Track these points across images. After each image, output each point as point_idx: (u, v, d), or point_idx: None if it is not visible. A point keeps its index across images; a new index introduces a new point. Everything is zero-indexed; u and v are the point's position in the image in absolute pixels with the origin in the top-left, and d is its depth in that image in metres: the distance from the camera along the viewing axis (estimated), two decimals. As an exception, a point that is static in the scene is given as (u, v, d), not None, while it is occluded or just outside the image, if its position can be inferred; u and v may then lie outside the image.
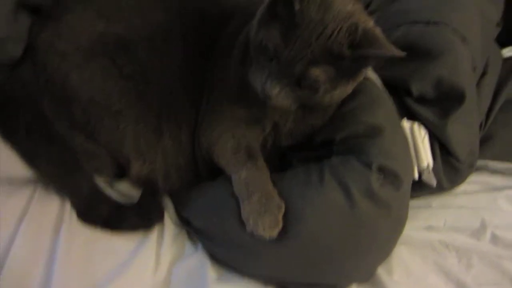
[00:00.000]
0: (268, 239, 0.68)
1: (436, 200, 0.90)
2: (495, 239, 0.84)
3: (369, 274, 0.77)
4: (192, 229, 0.80)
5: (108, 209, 0.79)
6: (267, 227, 0.68)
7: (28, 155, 0.76)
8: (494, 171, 0.94)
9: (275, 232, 0.68)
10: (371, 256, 0.74)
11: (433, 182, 0.77)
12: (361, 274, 0.76)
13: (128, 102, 0.77)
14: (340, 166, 0.72)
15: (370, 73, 0.79)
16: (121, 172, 0.86)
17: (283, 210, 0.70)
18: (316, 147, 0.80)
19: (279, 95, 0.67)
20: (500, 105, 0.93)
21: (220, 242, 0.75)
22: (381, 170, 0.70)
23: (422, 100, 0.82)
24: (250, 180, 0.72)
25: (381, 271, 0.78)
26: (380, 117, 0.76)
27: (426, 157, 0.77)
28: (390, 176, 0.71)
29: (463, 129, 0.83)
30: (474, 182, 0.93)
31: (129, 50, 0.76)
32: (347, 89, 0.71)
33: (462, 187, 0.91)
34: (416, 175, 0.78)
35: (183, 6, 0.81)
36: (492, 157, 0.91)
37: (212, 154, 0.79)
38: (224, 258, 0.76)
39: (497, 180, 0.93)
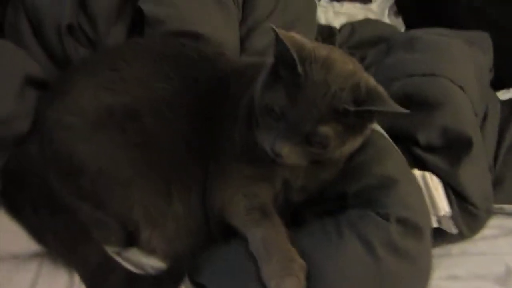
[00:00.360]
0: None
1: (455, 248, 0.87)
2: (521, 284, 0.81)
3: None
4: None
5: (121, 280, 0.75)
6: None
7: (35, 231, 0.75)
8: (511, 214, 0.92)
9: None
10: None
11: (454, 230, 0.75)
12: None
13: (138, 170, 0.76)
14: (357, 220, 0.71)
15: (376, 126, 0.80)
16: (130, 240, 0.83)
17: (305, 270, 0.67)
18: (329, 200, 0.79)
19: (289, 154, 0.67)
20: (507, 147, 0.94)
21: None
22: (400, 221, 0.69)
23: (430, 148, 0.83)
24: (267, 240, 0.70)
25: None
26: (391, 167, 0.76)
27: (443, 205, 0.76)
28: (410, 227, 0.69)
29: (475, 175, 0.82)
30: (491, 226, 0.90)
31: (136, 119, 0.78)
32: (355, 143, 0.72)
33: (480, 232, 0.88)
34: (435, 224, 0.76)
35: (182, 75, 0.83)
36: (506, 201, 0.89)
37: (225, 215, 0.77)
38: None
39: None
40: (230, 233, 0.78)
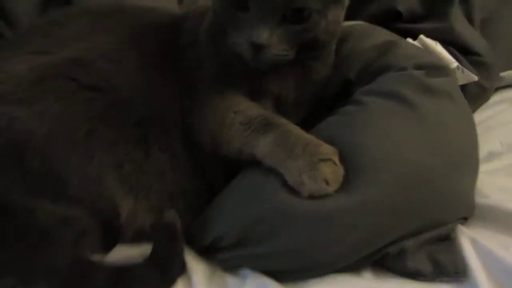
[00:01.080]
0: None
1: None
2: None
3: (470, 198, 0.60)
4: (227, 253, 0.58)
5: (104, 281, 0.56)
6: (330, 177, 0.52)
7: None
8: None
9: (339, 182, 0.52)
10: (458, 160, 0.58)
11: (474, 76, 0.67)
12: (461, 197, 0.58)
13: (99, 117, 0.60)
14: (372, 87, 0.60)
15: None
16: (109, 240, 0.64)
17: (337, 154, 0.54)
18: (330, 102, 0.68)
19: (271, 39, 0.57)
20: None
21: (270, 241, 0.54)
22: (419, 67, 0.60)
23: (415, 19, 0.77)
24: (281, 138, 0.56)
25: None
26: (384, 35, 0.68)
27: (449, 59, 0.68)
28: (431, 67, 0.60)
29: (468, 27, 0.78)
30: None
31: (83, 65, 0.63)
32: (338, 15, 0.63)
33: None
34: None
35: (127, 25, 0.71)
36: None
37: (219, 147, 0.62)
38: (284, 262, 0.55)
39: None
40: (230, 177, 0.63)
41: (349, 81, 0.66)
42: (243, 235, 0.56)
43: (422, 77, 0.59)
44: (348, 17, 0.78)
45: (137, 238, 0.64)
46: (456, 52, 0.73)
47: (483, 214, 0.59)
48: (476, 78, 0.67)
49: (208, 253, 0.61)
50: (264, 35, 0.57)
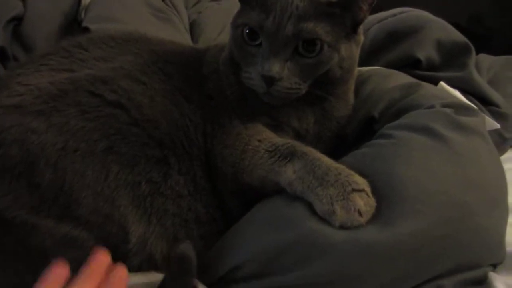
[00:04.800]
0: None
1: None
2: None
3: (503, 242, 0.58)
4: (245, 284, 0.54)
5: None
6: (363, 209, 0.50)
7: None
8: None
9: (371, 213, 0.50)
10: (494, 199, 0.56)
11: (495, 123, 0.67)
12: (497, 238, 0.57)
13: (120, 134, 0.58)
14: (402, 121, 0.60)
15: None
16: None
17: (368, 185, 0.52)
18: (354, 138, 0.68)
19: (282, 72, 0.57)
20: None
21: (299, 271, 0.50)
22: (446, 106, 0.60)
23: (433, 67, 0.79)
24: (310, 165, 0.54)
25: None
26: (406, 78, 0.69)
27: (472, 105, 0.68)
28: (458, 106, 0.61)
29: (484, 81, 0.80)
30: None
31: (107, 83, 0.62)
32: (353, 52, 0.63)
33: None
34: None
35: (149, 50, 0.71)
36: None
37: (242, 174, 0.60)
38: None
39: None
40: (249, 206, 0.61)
41: (372, 119, 0.66)
42: (266, 264, 0.52)
43: (453, 115, 0.59)
44: (366, 63, 0.81)
45: (145, 266, 0.60)
46: (476, 101, 0.75)
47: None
48: (498, 125, 0.68)
49: (221, 284, 0.57)
50: (275, 67, 0.57)
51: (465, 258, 0.52)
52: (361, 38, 0.65)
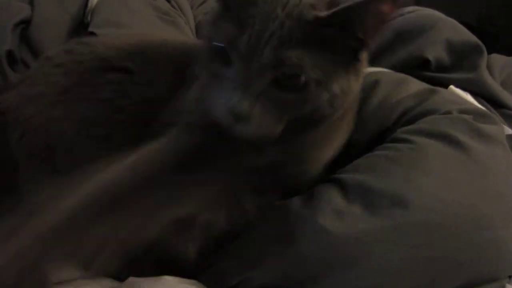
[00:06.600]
0: None
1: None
2: None
3: None
4: None
5: None
6: None
7: None
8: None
9: None
10: (510, 209, 0.54)
11: (508, 129, 0.66)
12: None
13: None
14: (421, 126, 0.58)
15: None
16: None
17: None
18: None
19: (253, 111, 0.44)
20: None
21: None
22: (464, 112, 0.59)
23: (443, 69, 0.77)
24: None
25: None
26: (418, 84, 0.67)
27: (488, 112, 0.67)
28: (477, 113, 0.59)
29: (495, 82, 0.78)
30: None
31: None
32: (350, 87, 0.49)
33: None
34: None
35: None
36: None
37: None
38: None
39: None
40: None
41: (387, 130, 0.63)
42: (283, 275, 0.51)
43: (472, 122, 0.57)
44: (373, 65, 0.79)
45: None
46: (487, 104, 0.74)
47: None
48: (510, 130, 0.67)
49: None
50: (244, 104, 0.44)
51: (482, 271, 0.51)
52: (364, 66, 0.52)
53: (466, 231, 0.50)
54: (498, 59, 0.94)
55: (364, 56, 0.50)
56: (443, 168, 0.54)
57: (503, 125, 0.67)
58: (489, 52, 1.18)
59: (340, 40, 0.45)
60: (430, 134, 0.56)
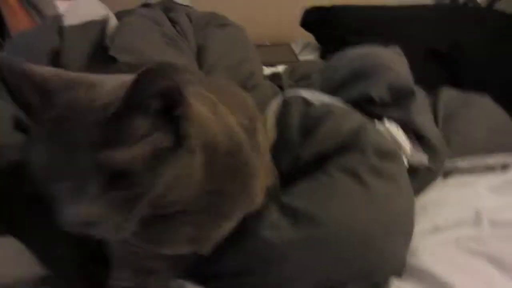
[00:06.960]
0: None
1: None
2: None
3: (402, 262, 0.78)
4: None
5: None
6: None
7: None
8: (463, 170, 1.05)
9: None
10: (397, 233, 0.77)
11: (424, 157, 0.87)
12: (393, 261, 0.77)
13: None
14: (341, 162, 0.81)
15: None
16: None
17: None
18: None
19: (94, 214, 0.44)
20: (442, 116, 1.10)
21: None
22: (376, 153, 0.81)
23: (384, 105, 0.99)
24: None
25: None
26: (358, 119, 0.90)
27: (407, 145, 0.91)
28: (383, 152, 0.82)
29: (425, 119, 1.01)
30: (450, 185, 1.02)
31: None
32: (184, 168, 0.49)
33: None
34: (405, 161, 0.88)
35: None
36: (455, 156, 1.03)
37: None
38: None
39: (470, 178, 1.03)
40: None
41: (328, 156, 0.85)
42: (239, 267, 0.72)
43: (376, 160, 0.80)
44: (337, 95, 0.99)
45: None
46: (413, 136, 0.95)
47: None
48: (425, 159, 0.88)
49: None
50: (83, 210, 0.44)
51: (369, 270, 0.74)
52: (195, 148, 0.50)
53: (359, 241, 0.72)
54: (446, 93, 1.12)
55: (191, 142, 0.49)
56: (348, 197, 0.76)
57: (421, 155, 0.86)
58: (455, 80, 1.36)
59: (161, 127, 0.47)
60: (345, 170, 0.79)
